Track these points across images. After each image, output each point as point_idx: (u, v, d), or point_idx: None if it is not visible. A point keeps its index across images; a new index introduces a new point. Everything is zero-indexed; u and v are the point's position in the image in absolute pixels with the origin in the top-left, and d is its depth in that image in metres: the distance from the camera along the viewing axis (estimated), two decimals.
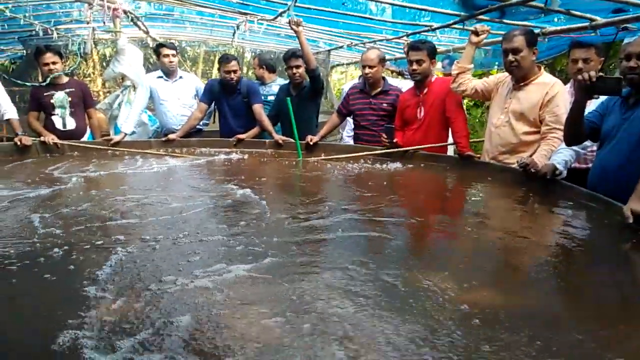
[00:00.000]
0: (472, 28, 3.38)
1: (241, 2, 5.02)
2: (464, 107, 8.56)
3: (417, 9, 4.24)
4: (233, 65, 3.99)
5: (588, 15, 3.40)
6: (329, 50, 8.24)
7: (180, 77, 4.42)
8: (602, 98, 2.51)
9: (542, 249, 1.79)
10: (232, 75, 4.00)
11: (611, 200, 2.05)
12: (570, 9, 3.32)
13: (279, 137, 3.82)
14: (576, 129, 2.33)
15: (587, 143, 2.60)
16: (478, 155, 3.32)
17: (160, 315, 1.17)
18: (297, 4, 3.97)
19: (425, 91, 3.55)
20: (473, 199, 2.73)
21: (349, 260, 1.54)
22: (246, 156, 3.58)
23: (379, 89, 3.79)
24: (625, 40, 3.40)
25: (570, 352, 1.07)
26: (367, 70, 3.67)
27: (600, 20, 3.37)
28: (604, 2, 2.96)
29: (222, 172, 3.12)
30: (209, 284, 1.35)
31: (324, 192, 2.65)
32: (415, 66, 3.41)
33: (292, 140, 3.69)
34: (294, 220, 1.99)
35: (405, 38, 5.12)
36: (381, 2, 4.23)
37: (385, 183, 2.89)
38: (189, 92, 4.42)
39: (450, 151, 3.84)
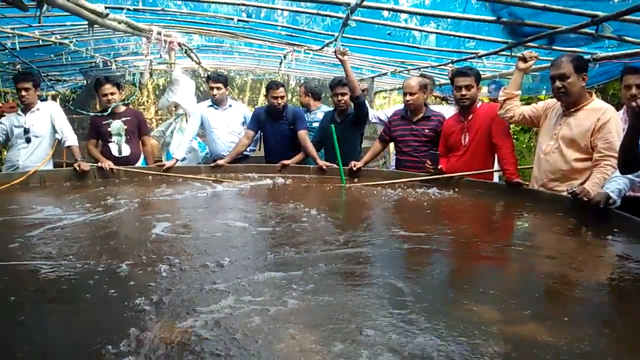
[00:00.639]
0: (519, 54, 3.36)
1: (289, 34, 5.21)
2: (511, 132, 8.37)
3: (464, 37, 4.26)
4: (281, 91, 4.13)
5: None
6: (372, 78, 8.32)
7: (230, 106, 4.60)
8: None
9: (594, 283, 1.72)
10: (279, 100, 4.13)
11: None
12: (622, 35, 3.23)
13: (322, 163, 3.89)
14: (631, 156, 2.24)
15: None
16: (527, 183, 3.24)
17: (210, 332, 1.21)
18: (343, 35, 4.08)
19: (470, 117, 3.53)
20: (521, 227, 2.65)
21: (391, 286, 1.54)
22: (290, 181, 3.65)
23: (420, 115, 3.82)
24: None
25: None
26: (408, 97, 3.74)
27: None
28: None
29: (267, 196, 3.20)
30: (257, 305, 1.38)
31: (367, 218, 2.66)
32: (464, 91, 3.42)
33: (335, 166, 3.74)
34: (338, 245, 2.01)
35: (450, 65, 5.13)
36: (427, 32, 4.28)
37: (429, 210, 2.87)
38: (238, 119, 4.59)
39: (496, 178, 3.77)
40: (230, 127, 4.51)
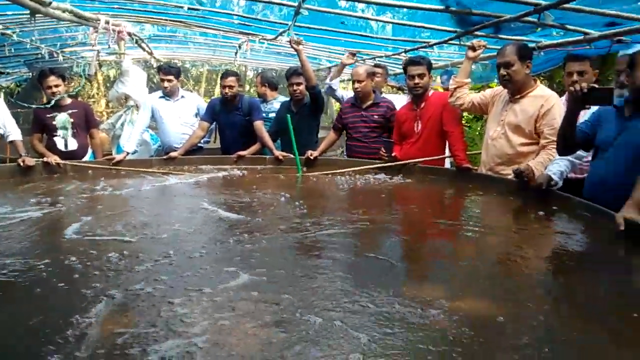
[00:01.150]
0: (469, 43, 3.44)
1: (242, 22, 5.12)
2: (464, 120, 8.59)
3: (415, 26, 4.31)
4: (229, 80, 4.08)
5: (582, 29, 3.45)
6: (329, 68, 8.32)
7: (182, 97, 4.49)
8: (594, 109, 2.54)
9: (538, 260, 1.80)
10: (227, 90, 4.09)
11: (605, 209, 2.05)
12: (565, 23, 3.36)
13: (279, 153, 3.87)
14: (569, 139, 2.35)
15: (582, 153, 2.61)
16: (475, 168, 3.34)
17: (164, 327, 1.19)
18: (296, 24, 4.06)
19: (422, 105, 3.60)
20: (469, 209, 2.74)
21: (345, 273, 1.55)
22: (246, 172, 3.61)
23: (369, 102, 3.91)
24: (620, 53, 3.42)
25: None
26: (357, 84, 3.84)
27: (594, 33, 3.41)
28: (597, 16, 2.99)
29: (223, 188, 3.15)
30: (208, 298, 1.37)
31: (323, 207, 2.67)
32: (417, 80, 3.48)
33: (292, 156, 3.73)
34: (292, 234, 2.01)
35: (404, 54, 5.19)
36: (380, 21, 4.31)
37: (383, 196, 2.91)
38: (190, 111, 4.49)
39: (448, 164, 3.87)
40: (183, 118, 4.41)
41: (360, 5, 4.14)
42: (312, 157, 3.74)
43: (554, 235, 2.12)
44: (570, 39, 3.72)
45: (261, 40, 5.53)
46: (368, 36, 4.82)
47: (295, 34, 4.21)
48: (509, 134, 2.98)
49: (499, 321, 1.23)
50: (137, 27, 6.03)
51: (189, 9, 4.56)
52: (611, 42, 3.53)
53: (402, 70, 4.24)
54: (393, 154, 3.57)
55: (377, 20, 4.35)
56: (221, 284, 1.45)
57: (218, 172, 3.63)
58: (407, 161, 3.48)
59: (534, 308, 1.33)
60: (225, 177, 3.49)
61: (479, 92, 3.67)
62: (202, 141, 4.39)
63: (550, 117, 2.80)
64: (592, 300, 1.44)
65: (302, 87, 4.07)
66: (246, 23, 5.14)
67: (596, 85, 2.17)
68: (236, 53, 6.71)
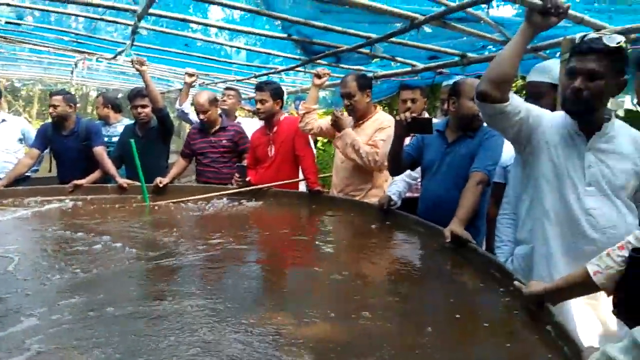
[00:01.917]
0: (314, 71, 3.61)
1: (75, 40, 4.68)
2: (320, 144, 8.97)
3: (265, 52, 4.42)
4: (53, 100, 3.72)
5: (410, 61, 3.87)
6: (180, 89, 8.07)
7: (3, 120, 3.92)
8: None
9: (381, 276, 1.92)
10: (52, 110, 3.72)
11: (435, 225, 2.29)
12: (395, 56, 3.74)
13: (123, 181, 3.57)
14: (396, 162, 2.60)
15: (416, 175, 2.89)
16: (327, 190, 3.49)
17: None
18: (136, 44, 3.84)
19: (275, 130, 3.66)
20: (321, 231, 2.83)
21: (197, 303, 1.46)
22: (82, 204, 3.24)
23: (217, 127, 3.87)
24: (444, 83, 3.91)
25: None
26: (202, 116, 3.77)
27: (419, 65, 3.86)
28: (420, 50, 3.39)
29: (52, 222, 2.77)
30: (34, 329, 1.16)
31: (173, 237, 2.50)
32: (259, 105, 3.55)
33: (137, 183, 3.47)
34: (140, 268, 1.85)
35: (254, 79, 5.26)
36: (221, 44, 4.31)
37: (238, 222, 2.86)
38: (13, 136, 3.94)
39: (303, 187, 3.98)
40: (4, 144, 3.84)
41: (213, 30, 4.11)
42: (161, 185, 3.52)
43: (394, 250, 2.30)
44: (401, 70, 4.15)
45: (99, 59, 5.11)
46: (216, 59, 4.79)
47: (136, 54, 3.97)
48: None
49: (348, 341, 1.27)
50: None
51: (6, 22, 4.01)
52: (435, 74, 4.03)
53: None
54: (247, 179, 3.55)
55: (216, 43, 4.32)
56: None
57: (48, 203, 3.20)
58: (260, 185, 3.48)
59: (380, 325, 1.40)
60: (58, 209, 3.09)
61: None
62: (29, 170, 3.86)
63: (384, 134, 3.05)
64: (424, 307, 1.58)
65: (147, 110, 3.84)
66: (79, 41, 4.70)
67: (417, 116, 2.43)
68: (72, 72, 6.11)
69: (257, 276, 1.91)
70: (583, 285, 1.35)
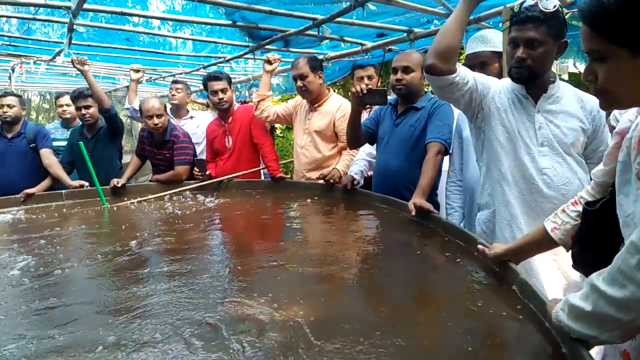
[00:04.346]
0: (264, 57, 3.56)
1: (9, 43, 4.40)
2: (278, 130, 8.91)
3: (212, 41, 4.31)
4: (8, 99, 3.58)
5: (359, 40, 3.88)
6: (127, 87, 7.78)
7: None
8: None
9: (350, 255, 1.93)
10: (6, 109, 3.56)
11: (399, 200, 2.33)
12: (343, 36, 3.73)
13: (76, 183, 3.42)
14: (355, 134, 2.64)
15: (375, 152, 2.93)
16: (289, 176, 3.48)
17: None
18: (75, 42, 3.66)
19: (230, 120, 3.61)
20: (287, 218, 2.82)
21: (168, 294, 1.43)
22: (36, 213, 3.10)
23: (161, 139, 3.56)
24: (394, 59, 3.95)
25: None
26: (156, 119, 3.40)
27: (368, 44, 3.87)
28: (369, 28, 3.40)
29: (8, 235, 2.64)
30: None
31: (136, 237, 2.43)
32: (221, 94, 3.47)
33: (89, 186, 3.34)
34: (105, 273, 1.79)
35: (202, 70, 5.14)
36: (165, 36, 4.17)
37: (202, 216, 2.81)
38: None
39: (265, 175, 3.96)
40: None
41: (156, 22, 3.96)
42: (118, 185, 3.40)
43: (361, 228, 2.33)
44: (351, 50, 4.15)
45: (37, 62, 4.85)
46: (162, 52, 4.63)
47: (76, 53, 3.78)
48: (316, 140, 3.19)
49: (314, 322, 1.28)
50: None
51: None
52: (384, 51, 4.06)
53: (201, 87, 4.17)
54: (207, 172, 3.49)
55: (158, 35, 4.15)
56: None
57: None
58: (221, 178, 3.43)
59: (354, 309, 1.42)
60: (9, 221, 2.94)
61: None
62: None
63: (345, 122, 3.07)
64: (393, 281, 1.62)
65: (91, 110, 3.67)
66: (13, 44, 4.43)
67: (372, 87, 2.46)
68: (9, 77, 5.77)
69: (226, 267, 1.90)
70: (543, 242, 1.41)
